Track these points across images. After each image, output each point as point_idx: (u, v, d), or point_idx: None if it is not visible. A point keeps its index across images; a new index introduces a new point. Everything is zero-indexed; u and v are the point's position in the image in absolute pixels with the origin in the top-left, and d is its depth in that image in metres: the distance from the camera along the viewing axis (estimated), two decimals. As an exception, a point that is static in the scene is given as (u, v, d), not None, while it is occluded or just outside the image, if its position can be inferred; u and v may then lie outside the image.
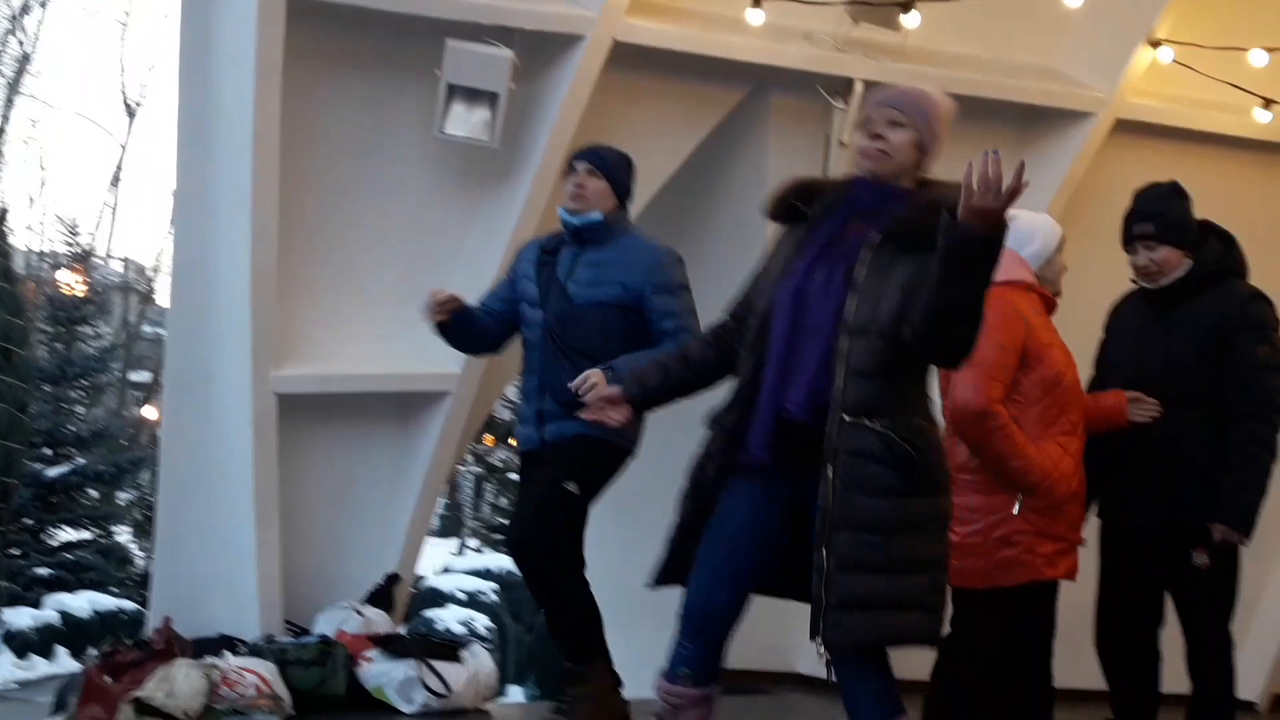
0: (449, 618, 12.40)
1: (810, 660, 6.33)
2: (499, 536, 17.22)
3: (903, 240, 2.93)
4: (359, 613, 5.09)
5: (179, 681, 3.88)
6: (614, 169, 4.32)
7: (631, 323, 4.21)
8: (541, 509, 4.15)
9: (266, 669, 4.33)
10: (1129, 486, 4.11)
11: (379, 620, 5.13)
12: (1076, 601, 5.73)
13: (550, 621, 4.32)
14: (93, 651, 16.99)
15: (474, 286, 5.47)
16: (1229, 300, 4.18)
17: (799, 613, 5.92)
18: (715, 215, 6.19)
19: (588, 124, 5.41)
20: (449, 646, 4.98)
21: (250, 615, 5.15)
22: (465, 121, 5.22)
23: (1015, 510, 3.68)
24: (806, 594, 2.91)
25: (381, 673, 4.77)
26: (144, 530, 22.24)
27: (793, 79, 5.79)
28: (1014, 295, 3.76)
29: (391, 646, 4.85)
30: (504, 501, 20.60)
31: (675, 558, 3.11)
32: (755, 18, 5.52)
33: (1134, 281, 4.35)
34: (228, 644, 4.79)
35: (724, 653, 3.06)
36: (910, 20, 5.60)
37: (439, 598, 13.19)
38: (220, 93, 5.33)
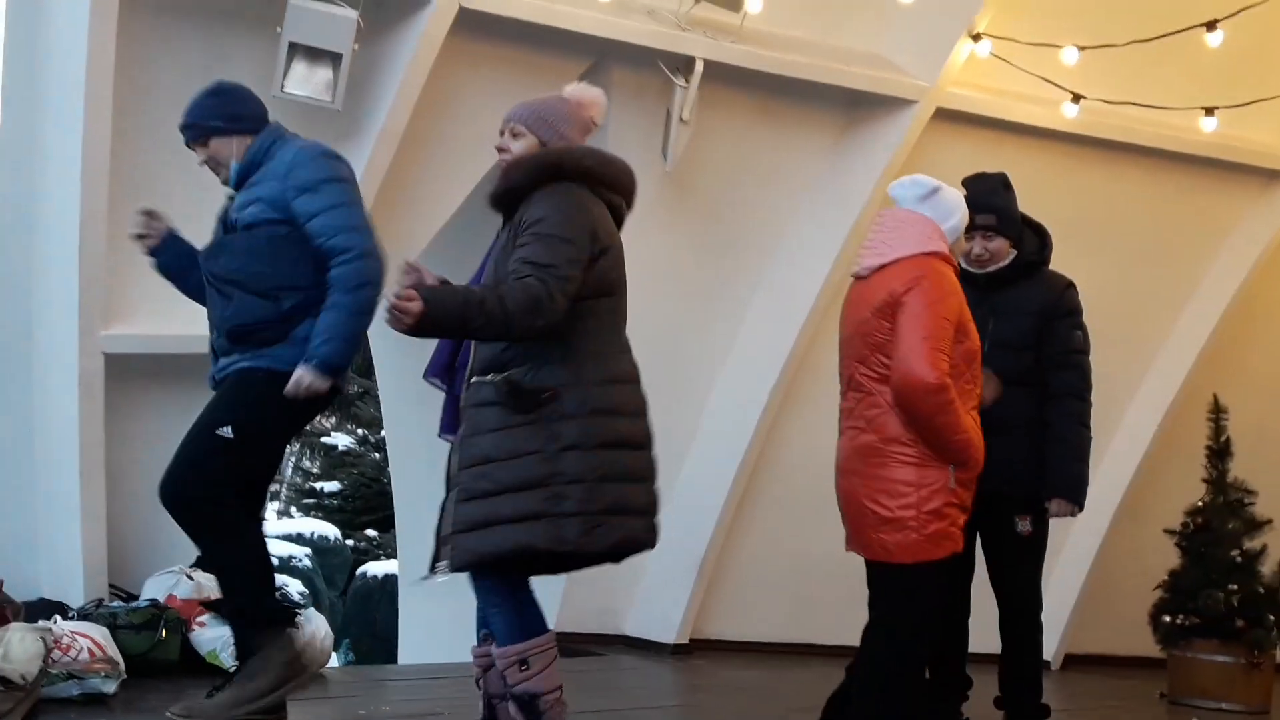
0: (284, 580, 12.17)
1: (637, 623, 6.56)
2: (308, 501, 16.93)
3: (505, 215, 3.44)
4: (190, 577, 5.01)
5: (14, 645, 3.77)
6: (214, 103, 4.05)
7: (292, 239, 3.87)
8: (188, 458, 3.88)
9: (99, 633, 4.25)
10: None
11: (209, 584, 5.04)
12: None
13: (218, 578, 4.09)
14: None
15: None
16: (1049, 288, 4.49)
17: (624, 578, 6.14)
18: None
19: (431, 88, 5.41)
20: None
21: (75, 579, 5.02)
22: (307, 81, 5.16)
23: (951, 483, 3.68)
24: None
25: (215, 637, 4.73)
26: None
27: (635, 54, 5.89)
28: (944, 267, 3.81)
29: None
30: (315, 466, 20.26)
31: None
32: (601, -9, 5.60)
33: (965, 266, 4.48)
34: (59, 608, 4.67)
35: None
36: (753, 3, 5.76)
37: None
38: (51, 33, 5.12)
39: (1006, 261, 4.50)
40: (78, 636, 4.12)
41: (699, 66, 5.88)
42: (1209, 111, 6.48)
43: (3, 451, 5.27)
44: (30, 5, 5.18)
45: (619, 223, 3.52)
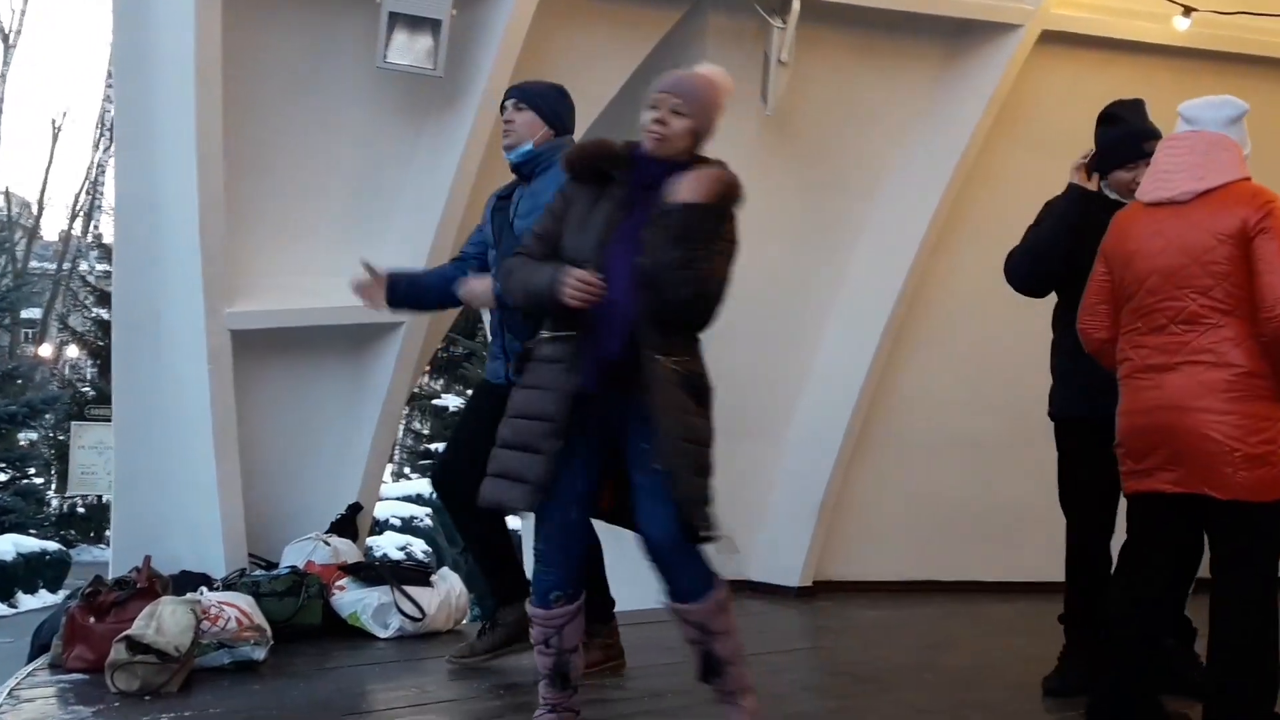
0: (386, 544, 12.47)
1: (760, 568, 6.58)
2: (426, 463, 17.25)
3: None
4: (326, 543, 5.15)
5: (166, 619, 3.90)
6: (539, 99, 4.26)
7: None
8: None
9: (245, 602, 4.37)
10: None
11: (346, 549, 5.20)
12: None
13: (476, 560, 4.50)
14: (22, 595, 16.81)
15: (420, 217, 5.50)
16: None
17: (745, 524, 6.16)
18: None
19: (530, 49, 5.41)
20: (420, 571, 5.07)
21: (215, 551, 5.19)
22: (408, 50, 5.20)
23: None
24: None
25: (355, 600, 4.86)
26: (51, 470, 21.92)
27: (730, -1, 5.84)
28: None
29: (363, 574, 4.94)
30: (426, 428, 20.60)
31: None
32: (694, -62, 5.55)
33: (1118, 198, 4.22)
34: (203, 579, 4.83)
35: (584, 567, 3.44)
36: (846, -60, 5.67)
37: (375, 525, 13.25)
38: (157, 27, 5.23)
39: None
40: (225, 606, 4.25)
41: (796, 6, 5.81)
42: (1327, 16, 6.25)
43: (138, 431, 5.44)
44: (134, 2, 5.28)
45: None
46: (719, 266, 3.28)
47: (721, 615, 3.31)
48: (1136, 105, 4.35)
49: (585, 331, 3.26)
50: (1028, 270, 4.38)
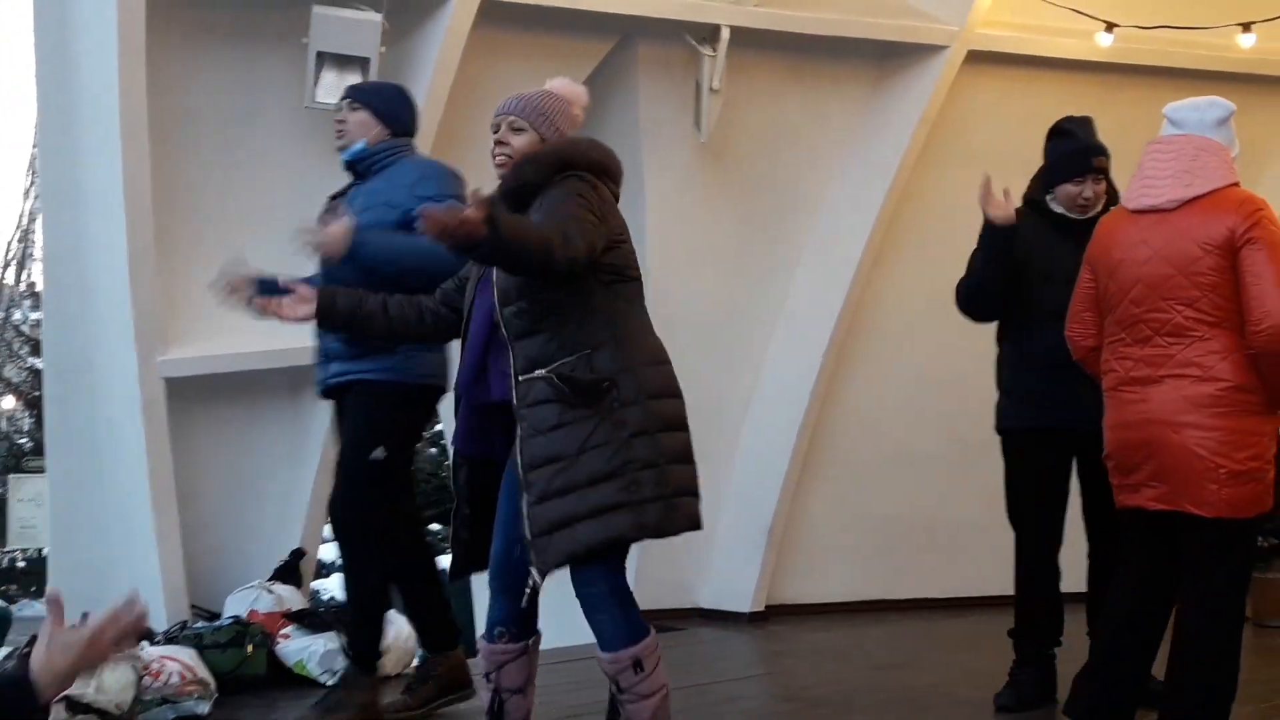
0: (334, 587, 12.28)
1: (711, 594, 6.57)
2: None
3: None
4: (269, 591, 5.07)
5: (106, 676, 3.83)
6: (373, 96, 4.16)
7: None
8: (350, 482, 4.03)
9: (187, 655, 4.30)
10: None
11: (290, 596, 5.11)
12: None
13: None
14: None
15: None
16: None
17: (695, 551, 6.15)
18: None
19: (461, 83, 5.40)
20: (366, 615, 4.99)
21: (155, 603, 5.08)
22: (337, 89, 5.13)
23: None
24: None
25: (301, 648, 4.78)
26: (-8, 524, 21.48)
27: (660, 27, 5.87)
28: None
29: (308, 621, 4.86)
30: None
31: (467, 547, 3.43)
32: (622, -31, 5.57)
33: (1063, 212, 4.23)
34: (144, 634, 4.73)
35: (534, 605, 3.28)
36: (774, -35, 5.71)
37: (321, 568, 13.05)
38: (81, 73, 5.17)
39: (1101, 205, 4.19)
40: (167, 661, 4.17)
41: (725, 34, 5.84)
42: (1246, 27, 6.36)
43: (73, 483, 5.35)
44: (56, 40, 5.24)
45: None
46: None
47: (633, 676, 3.09)
48: (1086, 121, 4.34)
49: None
50: (969, 305, 4.37)
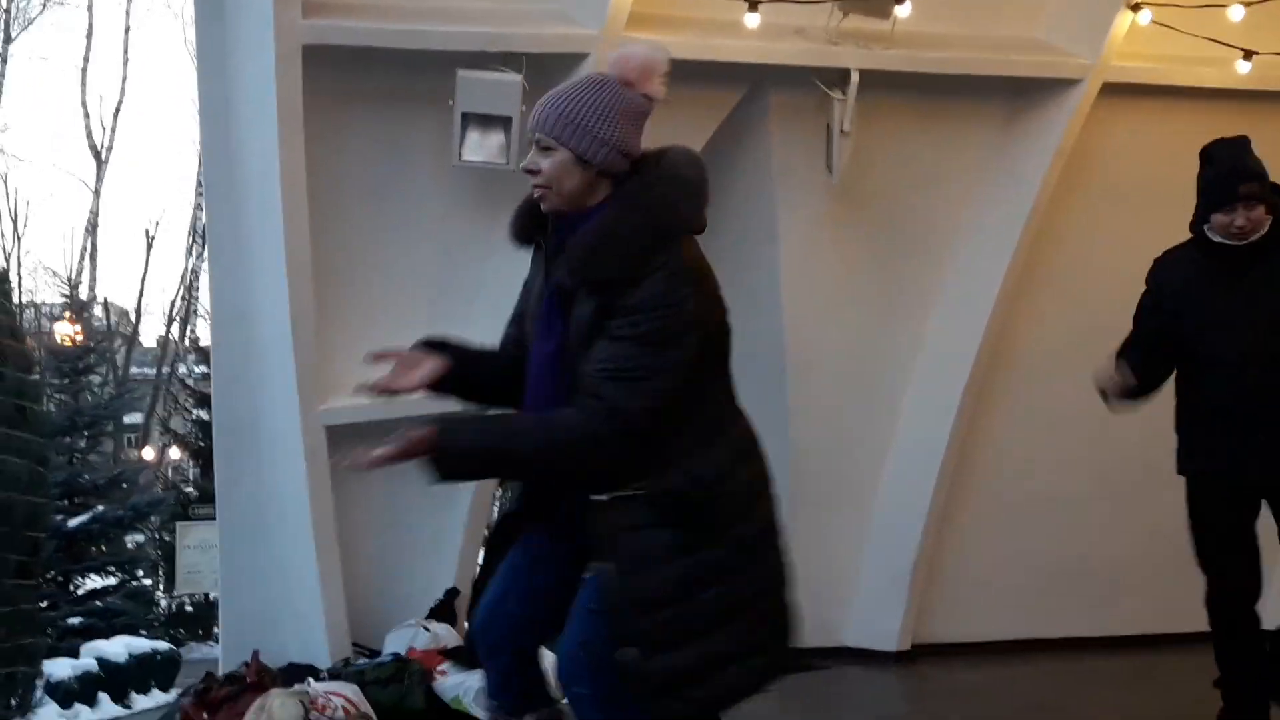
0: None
1: (856, 633, 6.57)
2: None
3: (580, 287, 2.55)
4: (426, 629, 5.27)
5: (276, 710, 4.05)
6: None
7: None
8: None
9: (351, 691, 4.51)
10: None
11: (445, 634, 5.31)
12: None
13: None
14: (136, 695, 17.12)
15: (503, 306, 5.64)
16: None
17: (838, 590, 6.17)
18: (724, 217, 6.34)
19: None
20: (518, 653, 5.14)
21: (319, 642, 5.33)
22: (481, 147, 5.40)
23: None
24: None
25: (457, 684, 4.95)
26: (159, 571, 22.40)
27: (789, 75, 5.96)
28: None
29: (464, 657, 5.03)
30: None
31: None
32: (752, 21, 5.70)
33: (1222, 240, 4.01)
34: (309, 670, 4.97)
35: (531, 672, 2.75)
36: (902, 9, 5.78)
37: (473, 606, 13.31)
38: (243, 142, 5.50)
39: (1265, 229, 3.95)
40: (332, 696, 4.38)
41: (855, 78, 5.91)
42: (1393, 48, 6.20)
43: (242, 530, 5.63)
44: (220, 110, 5.56)
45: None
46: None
47: None
48: (1234, 144, 4.13)
49: None
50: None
